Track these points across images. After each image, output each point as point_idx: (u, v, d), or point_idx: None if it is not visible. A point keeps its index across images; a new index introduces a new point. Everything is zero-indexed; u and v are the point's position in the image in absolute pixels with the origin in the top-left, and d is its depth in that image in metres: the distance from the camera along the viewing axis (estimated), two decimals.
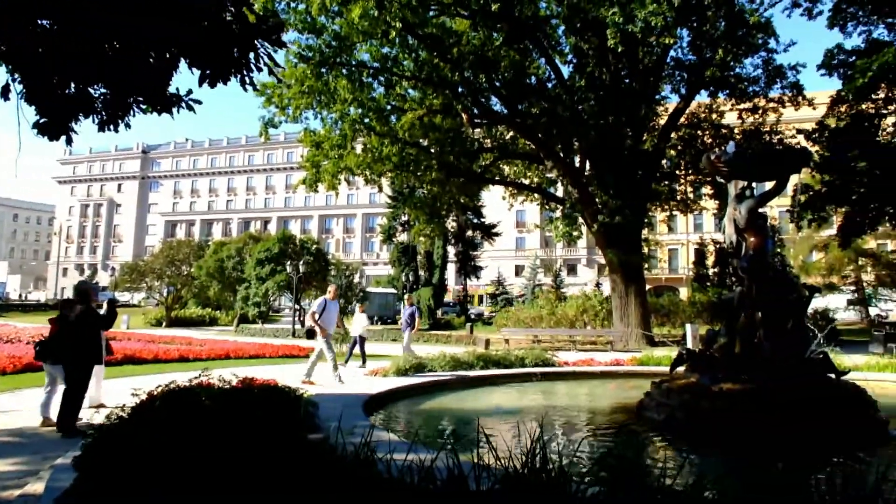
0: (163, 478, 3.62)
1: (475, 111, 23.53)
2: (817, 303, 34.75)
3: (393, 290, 50.27)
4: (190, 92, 5.10)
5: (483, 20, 20.98)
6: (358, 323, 16.22)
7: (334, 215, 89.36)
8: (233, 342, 22.29)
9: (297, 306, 36.95)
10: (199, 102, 5.10)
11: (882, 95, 25.82)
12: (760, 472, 5.49)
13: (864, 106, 25.97)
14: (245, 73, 4.62)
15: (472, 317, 47.10)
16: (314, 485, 3.23)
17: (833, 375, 8.07)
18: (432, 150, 24.92)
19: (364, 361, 15.09)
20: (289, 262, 35.84)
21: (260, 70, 4.70)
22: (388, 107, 23.30)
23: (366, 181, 25.53)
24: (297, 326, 33.05)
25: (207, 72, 4.57)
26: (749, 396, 7.19)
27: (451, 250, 53.11)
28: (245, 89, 4.76)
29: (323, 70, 21.54)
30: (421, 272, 50.51)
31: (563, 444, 6.65)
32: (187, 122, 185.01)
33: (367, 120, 22.78)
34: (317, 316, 11.55)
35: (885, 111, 26.31)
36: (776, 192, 8.34)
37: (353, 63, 22.03)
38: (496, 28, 21.54)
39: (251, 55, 4.62)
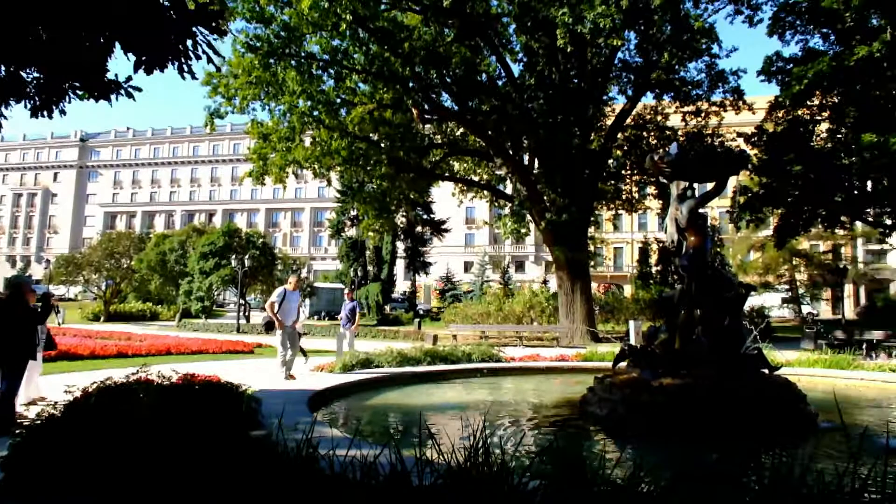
0: (97, 479, 3.51)
1: (426, 107, 23.52)
2: (754, 300, 36.20)
3: (341, 286, 49.84)
4: (129, 79, 4.92)
5: (434, 16, 20.99)
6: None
7: (282, 209, 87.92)
8: (174, 337, 21.71)
9: (241, 301, 36.24)
10: (139, 90, 4.93)
11: (817, 102, 27.02)
12: (695, 464, 5.68)
13: (800, 112, 27.09)
14: (183, 60, 4.48)
15: (421, 312, 47.13)
16: (255, 481, 3.18)
17: (766, 370, 8.40)
18: (382, 145, 24.80)
19: (305, 356, 14.62)
20: (234, 256, 35.10)
21: (199, 58, 4.57)
22: (338, 100, 23.07)
23: (314, 175, 25.23)
24: (242, 321, 32.42)
25: (143, 58, 4.41)
26: (687, 391, 7.42)
27: (401, 246, 53.02)
28: (183, 77, 4.62)
29: (271, 61, 21.16)
30: (369, 267, 50.29)
31: (508, 438, 6.73)
32: (129, 110, 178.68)
33: (316, 113, 22.49)
34: (275, 307, 11.26)
35: (819, 117, 27.52)
36: (716, 194, 8.63)
37: (303, 55, 21.72)
38: (447, 24, 21.58)
39: (189, 42, 4.47)
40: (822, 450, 6.20)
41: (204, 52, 4.58)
